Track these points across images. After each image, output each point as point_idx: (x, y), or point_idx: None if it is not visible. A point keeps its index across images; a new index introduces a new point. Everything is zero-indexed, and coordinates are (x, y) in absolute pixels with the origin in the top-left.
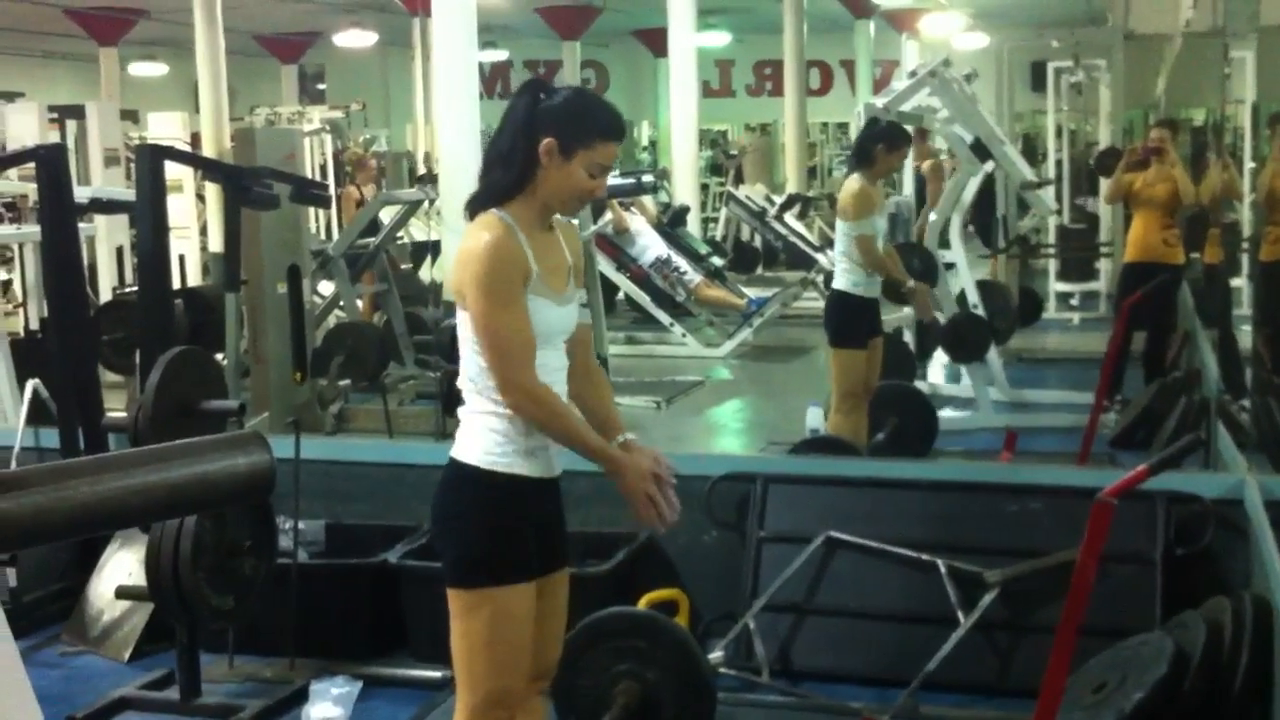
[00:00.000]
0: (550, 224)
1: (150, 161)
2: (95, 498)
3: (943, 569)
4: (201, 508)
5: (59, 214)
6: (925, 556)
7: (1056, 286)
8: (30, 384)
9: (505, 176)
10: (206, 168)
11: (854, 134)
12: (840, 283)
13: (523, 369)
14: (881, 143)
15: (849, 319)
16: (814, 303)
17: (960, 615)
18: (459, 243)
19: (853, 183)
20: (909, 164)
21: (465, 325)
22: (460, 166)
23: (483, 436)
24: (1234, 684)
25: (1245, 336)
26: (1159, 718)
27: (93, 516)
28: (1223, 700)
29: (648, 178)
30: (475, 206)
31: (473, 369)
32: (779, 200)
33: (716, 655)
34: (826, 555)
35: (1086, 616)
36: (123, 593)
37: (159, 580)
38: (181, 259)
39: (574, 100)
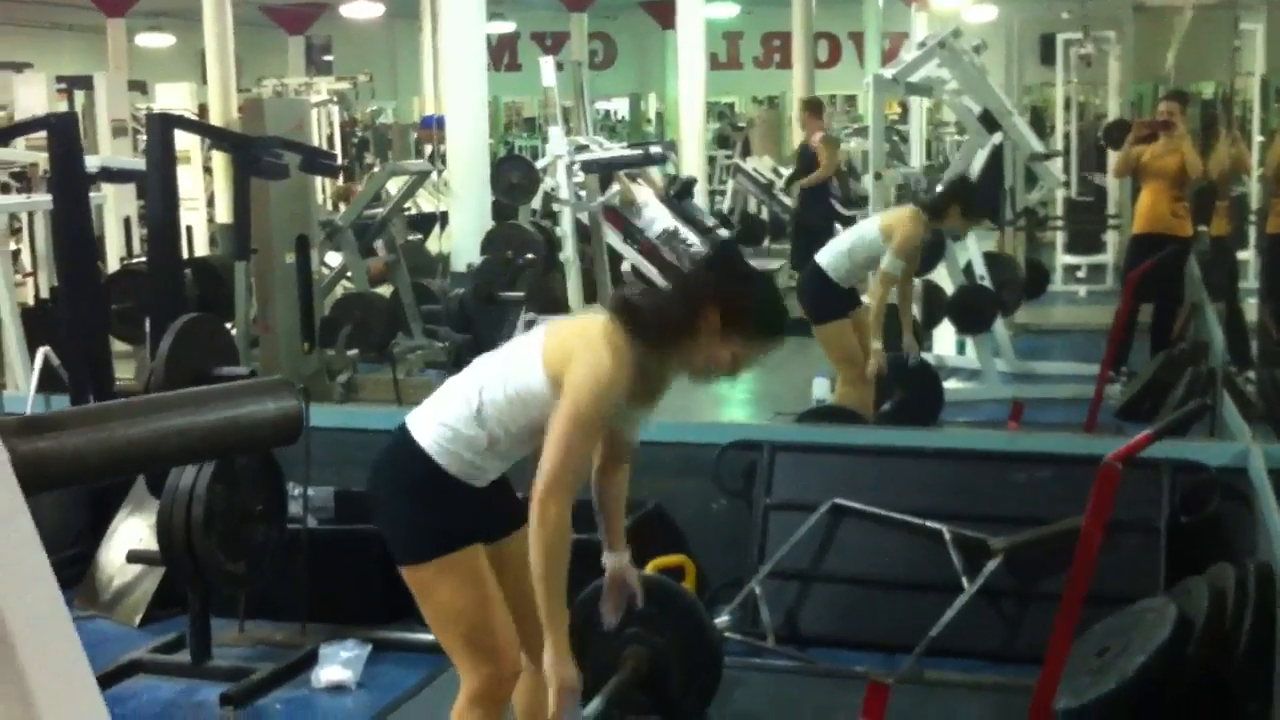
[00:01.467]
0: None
1: (160, 130)
2: (131, 439)
3: (948, 536)
4: (233, 451)
5: (70, 182)
6: (931, 524)
7: (1064, 259)
8: (41, 351)
9: (664, 324)
10: (216, 137)
11: (862, 106)
12: (824, 260)
13: (570, 491)
14: (960, 204)
15: (825, 293)
16: None
17: (965, 582)
18: (585, 330)
19: (913, 219)
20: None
21: (538, 387)
22: (468, 138)
23: (439, 432)
24: (1237, 649)
25: (1251, 310)
26: (1161, 682)
27: (129, 457)
28: (1226, 665)
29: (656, 149)
30: (627, 318)
31: (498, 399)
32: (786, 173)
33: (723, 620)
34: (833, 522)
35: (1092, 583)
36: (134, 557)
37: (171, 545)
38: (189, 230)
39: (756, 287)
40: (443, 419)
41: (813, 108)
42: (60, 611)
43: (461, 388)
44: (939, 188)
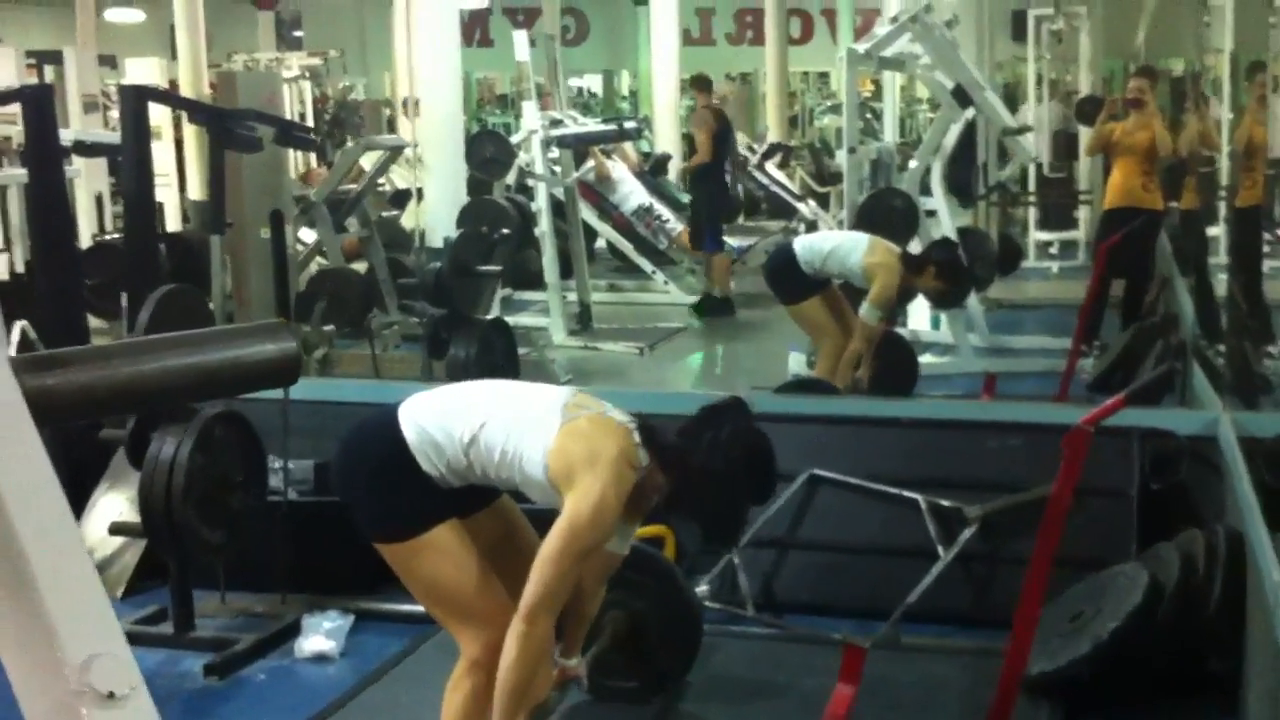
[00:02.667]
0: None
1: (134, 103)
2: (135, 377)
3: (923, 504)
4: (234, 390)
5: (46, 155)
6: (906, 493)
7: (1036, 235)
8: (18, 325)
9: (691, 481)
10: (190, 109)
11: (835, 83)
12: (799, 248)
13: (558, 609)
14: (936, 266)
15: (795, 276)
16: None
17: (940, 549)
18: (597, 449)
19: (894, 270)
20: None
21: (534, 474)
22: (442, 113)
23: (426, 435)
24: (1207, 613)
25: (1221, 284)
26: (1133, 645)
27: (132, 394)
28: (1196, 629)
29: (629, 124)
30: (654, 445)
31: (493, 448)
32: (760, 149)
33: (702, 589)
34: (809, 492)
35: (1064, 549)
36: (116, 529)
37: (151, 514)
38: (161, 206)
39: (756, 454)
40: (433, 428)
41: (698, 84)
42: (70, 527)
43: (467, 407)
44: (912, 163)
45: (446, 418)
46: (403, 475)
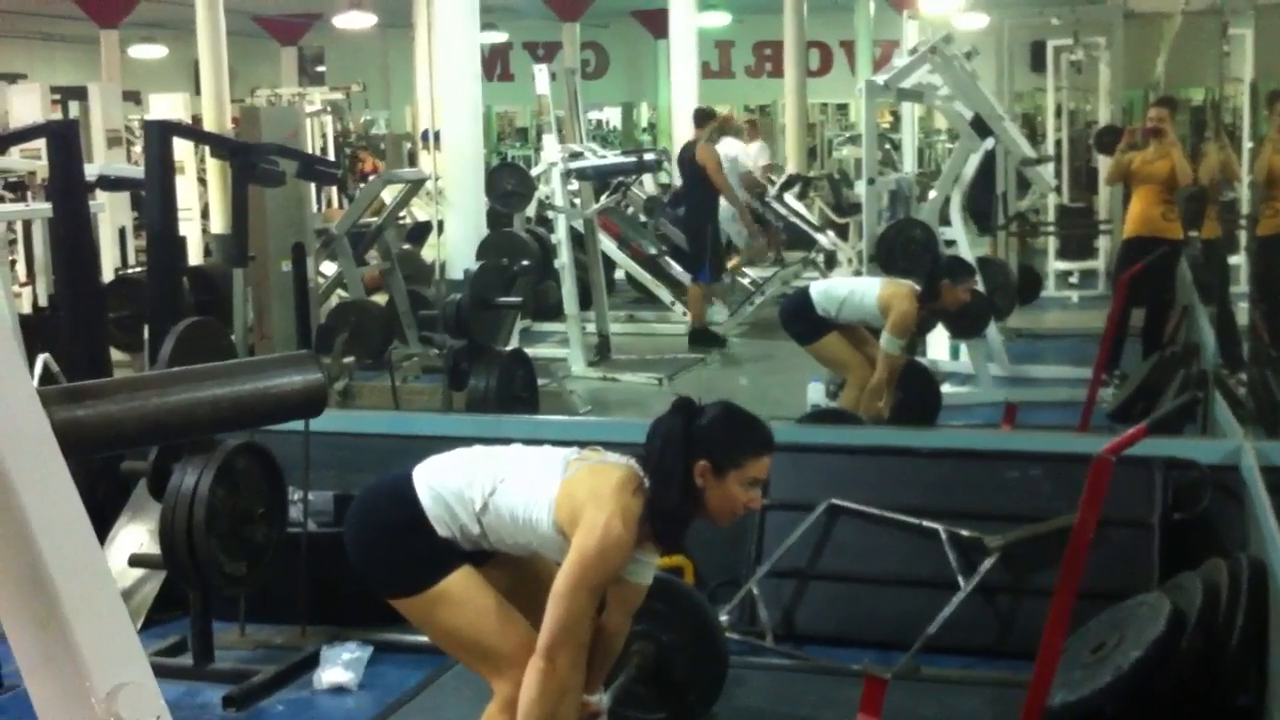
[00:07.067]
0: None
1: (159, 137)
2: (164, 408)
3: (944, 535)
4: (261, 421)
5: (70, 189)
6: (926, 523)
7: (1056, 265)
8: (41, 358)
9: (672, 498)
10: (214, 144)
11: (854, 115)
12: (815, 292)
13: (578, 640)
14: (946, 277)
15: (810, 316)
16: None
17: (961, 580)
18: (599, 486)
19: (908, 298)
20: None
21: (545, 530)
22: (462, 148)
23: (440, 502)
24: (1230, 643)
25: (1242, 313)
26: (1156, 676)
27: (162, 426)
28: (1219, 659)
29: (650, 156)
30: (652, 516)
31: (504, 515)
32: (779, 181)
33: (722, 620)
34: (829, 522)
35: (1086, 580)
36: (136, 561)
37: (173, 546)
38: (183, 240)
39: (721, 422)
40: (447, 495)
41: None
42: (97, 557)
43: (478, 473)
44: (931, 193)
45: (460, 484)
46: (415, 534)
